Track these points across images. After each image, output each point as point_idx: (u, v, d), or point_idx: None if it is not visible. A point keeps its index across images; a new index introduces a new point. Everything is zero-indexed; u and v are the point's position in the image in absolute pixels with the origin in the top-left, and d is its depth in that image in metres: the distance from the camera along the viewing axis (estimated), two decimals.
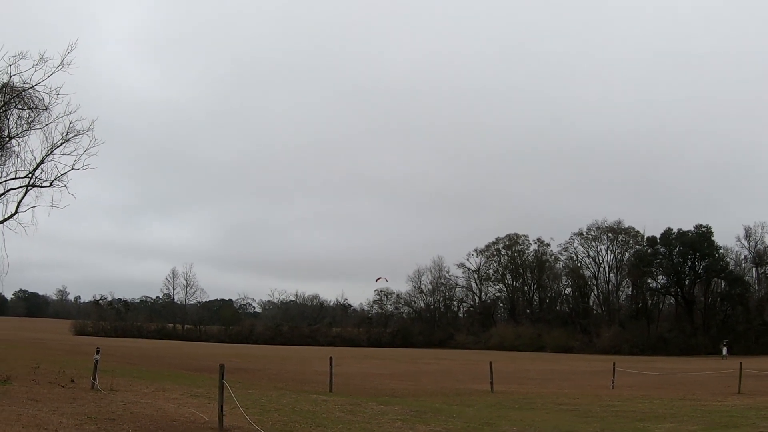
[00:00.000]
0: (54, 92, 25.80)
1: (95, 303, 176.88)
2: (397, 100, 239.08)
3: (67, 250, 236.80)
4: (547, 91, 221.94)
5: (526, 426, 19.13)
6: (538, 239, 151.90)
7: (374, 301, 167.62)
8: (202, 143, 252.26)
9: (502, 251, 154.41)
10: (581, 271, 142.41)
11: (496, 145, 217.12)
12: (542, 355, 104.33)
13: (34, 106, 26.13)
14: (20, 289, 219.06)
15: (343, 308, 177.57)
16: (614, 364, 41.38)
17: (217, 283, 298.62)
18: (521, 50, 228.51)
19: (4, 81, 25.44)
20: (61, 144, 26.48)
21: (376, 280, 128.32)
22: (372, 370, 54.44)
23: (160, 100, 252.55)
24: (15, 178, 26.49)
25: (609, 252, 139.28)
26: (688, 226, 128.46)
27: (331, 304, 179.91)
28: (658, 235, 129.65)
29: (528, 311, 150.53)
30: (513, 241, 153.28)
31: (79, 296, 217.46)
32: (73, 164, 26.58)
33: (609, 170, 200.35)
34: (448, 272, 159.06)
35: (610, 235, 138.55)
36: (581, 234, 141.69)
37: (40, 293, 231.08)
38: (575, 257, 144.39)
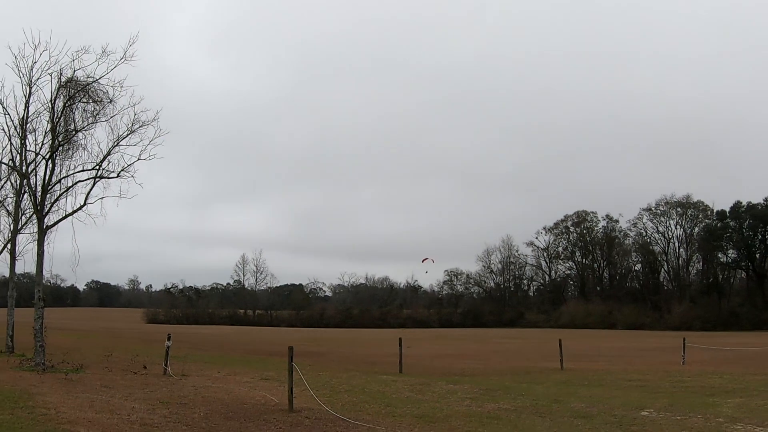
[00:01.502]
0: (118, 85, 26.17)
1: (166, 291, 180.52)
2: (464, 81, 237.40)
3: (138, 240, 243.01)
4: (610, 67, 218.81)
5: (595, 402, 18.98)
6: (607, 215, 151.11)
7: (444, 282, 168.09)
8: (270, 131, 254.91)
9: (571, 228, 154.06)
10: (651, 247, 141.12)
11: (563, 123, 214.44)
12: (613, 333, 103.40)
13: (99, 99, 26.52)
14: (92, 280, 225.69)
15: (413, 290, 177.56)
16: (684, 339, 40.71)
17: (288, 269, 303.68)
18: (584, 27, 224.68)
19: (69, 76, 25.91)
20: (127, 135, 26.77)
21: (423, 261, 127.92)
22: (442, 351, 54.48)
23: (227, 91, 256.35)
24: (83, 170, 26.91)
25: (678, 227, 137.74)
26: (757, 198, 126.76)
27: (401, 285, 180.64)
28: (727, 209, 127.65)
29: (598, 288, 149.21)
30: (581, 218, 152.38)
31: (151, 285, 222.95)
32: (139, 155, 26.87)
33: (676, 144, 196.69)
34: (517, 251, 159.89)
35: (679, 209, 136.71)
36: (650, 209, 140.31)
37: (112, 283, 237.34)
38: (644, 233, 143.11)
